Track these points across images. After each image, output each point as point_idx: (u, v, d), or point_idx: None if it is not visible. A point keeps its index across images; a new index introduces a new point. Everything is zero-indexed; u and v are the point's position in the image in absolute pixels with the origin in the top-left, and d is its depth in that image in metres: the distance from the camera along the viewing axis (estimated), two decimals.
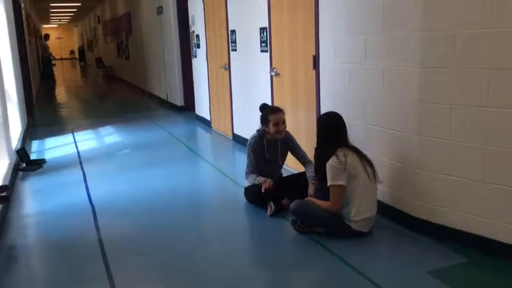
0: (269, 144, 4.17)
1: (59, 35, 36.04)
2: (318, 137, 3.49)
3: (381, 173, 3.50)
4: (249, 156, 4.19)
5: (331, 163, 3.32)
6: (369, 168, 3.39)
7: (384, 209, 3.66)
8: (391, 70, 3.53)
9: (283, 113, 4.11)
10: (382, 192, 3.68)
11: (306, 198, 3.66)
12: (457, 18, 3.06)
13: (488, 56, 2.94)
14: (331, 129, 3.45)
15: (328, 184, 3.33)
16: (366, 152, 3.47)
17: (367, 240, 3.39)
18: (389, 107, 3.59)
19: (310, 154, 4.37)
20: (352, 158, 3.35)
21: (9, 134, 5.37)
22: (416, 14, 3.28)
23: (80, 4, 20.82)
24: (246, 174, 4.23)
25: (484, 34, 2.95)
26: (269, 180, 3.96)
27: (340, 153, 3.34)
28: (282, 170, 4.44)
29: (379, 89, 3.65)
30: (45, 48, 17.42)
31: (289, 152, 4.29)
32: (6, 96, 5.43)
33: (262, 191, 3.92)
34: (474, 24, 2.98)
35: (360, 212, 3.34)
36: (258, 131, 4.20)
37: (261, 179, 4.02)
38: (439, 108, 3.22)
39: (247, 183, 4.27)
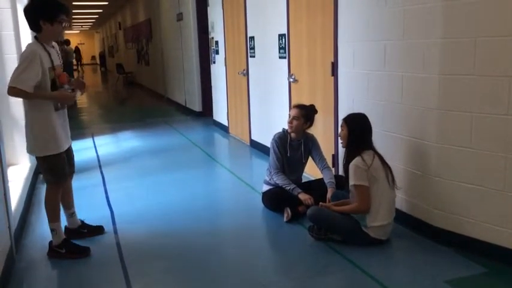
0: (292, 142, 4.19)
1: (80, 41, 36.67)
2: (348, 137, 3.43)
3: (399, 181, 3.47)
4: (273, 150, 4.19)
5: (355, 163, 3.31)
6: (389, 175, 3.37)
7: (402, 217, 3.63)
8: (410, 77, 3.51)
9: (296, 109, 4.16)
10: (401, 200, 3.65)
11: (323, 204, 3.64)
12: (478, 26, 3.03)
13: (510, 63, 2.91)
14: (361, 130, 3.43)
15: (352, 183, 3.32)
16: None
17: (384, 248, 3.37)
18: (409, 114, 3.56)
19: (327, 160, 4.37)
20: (376, 162, 3.34)
21: None
22: (436, 21, 3.26)
23: (101, 11, 21.17)
24: (271, 173, 4.18)
25: (505, 41, 2.91)
26: (309, 196, 3.94)
27: (366, 155, 3.33)
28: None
29: (399, 96, 3.63)
30: (70, 54, 17.71)
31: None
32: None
33: (304, 204, 3.91)
34: (495, 32, 2.95)
35: (377, 218, 3.32)
36: (283, 128, 4.26)
37: (300, 194, 3.97)
38: (459, 116, 3.19)
39: (265, 188, 4.27)
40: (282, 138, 4.21)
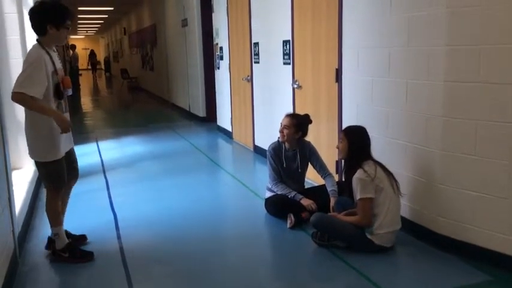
0: (287, 151, 4.17)
1: (85, 46, 36.81)
2: (347, 149, 3.43)
3: (403, 188, 3.46)
4: (269, 162, 4.18)
5: (358, 176, 3.30)
6: (394, 182, 3.37)
7: (406, 225, 3.61)
8: (414, 84, 3.51)
9: (287, 118, 4.11)
10: (404, 207, 3.63)
11: (329, 214, 3.66)
12: (482, 33, 3.03)
13: None
14: (361, 143, 3.43)
15: (358, 198, 3.31)
16: (387, 166, 3.44)
17: (388, 255, 3.35)
18: (413, 121, 3.56)
19: (331, 167, 4.37)
20: (379, 171, 3.33)
21: None
22: (441, 29, 3.26)
23: (106, 16, 21.28)
24: (272, 184, 4.17)
25: (509, 49, 2.91)
26: (312, 202, 3.95)
27: (367, 166, 3.32)
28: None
29: (403, 103, 3.63)
30: (76, 59, 17.86)
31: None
32: None
33: (307, 210, 3.90)
34: (499, 39, 2.95)
35: (383, 226, 3.31)
36: (278, 138, 4.22)
37: (303, 200, 3.98)
38: (464, 124, 3.19)
39: (268, 194, 4.27)
40: (276, 149, 4.18)
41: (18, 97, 3.01)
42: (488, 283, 2.97)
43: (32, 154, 3.30)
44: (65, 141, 3.36)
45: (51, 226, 3.40)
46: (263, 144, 6.46)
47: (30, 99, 3.00)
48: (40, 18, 3.17)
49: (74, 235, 3.69)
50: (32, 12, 3.22)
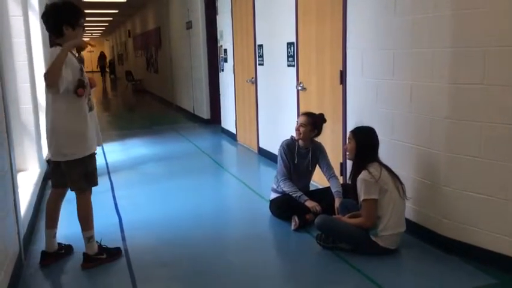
0: (300, 149, 4.20)
1: (90, 48, 36.88)
2: (355, 150, 3.43)
3: (408, 190, 3.45)
4: (281, 157, 4.19)
5: (362, 177, 3.30)
6: (399, 185, 3.36)
7: (410, 227, 3.60)
8: (419, 86, 3.50)
9: (304, 117, 4.16)
10: (409, 209, 3.62)
11: (334, 216, 3.65)
12: (487, 35, 3.02)
13: None
14: (369, 143, 3.42)
15: (362, 199, 3.30)
16: (392, 168, 3.43)
17: (392, 257, 3.34)
18: (418, 123, 3.55)
19: (335, 169, 4.36)
20: (384, 173, 3.32)
21: (40, 143, 5.52)
22: (446, 31, 3.25)
23: (111, 19, 21.36)
24: (280, 180, 4.17)
25: None
26: (316, 204, 3.95)
27: (372, 168, 3.32)
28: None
29: (407, 105, 3.62)
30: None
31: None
32: (39, 106, 5.59)
33: (311, 212, 3.92)
34: (505, 41, 2.94)
35: (387, 228, 3.31)
36: (291, 136, 4.26)
37: (307, 202, 3.98)
38: (469, 126, 3.18)
39: (272, 195, 4.27)
40: (289, 146, 4.21)
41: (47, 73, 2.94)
42: (493, 286, 2.95)
43: (71, 152, 3.18)
44: (97, 139, 3.39)
45: (86, 230, 3.33)
46: (267, 146, 6.47)
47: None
48: (56, 20, 3.12)
49: (65, 244, 3.58)
50: (46, 15, 3.17)
